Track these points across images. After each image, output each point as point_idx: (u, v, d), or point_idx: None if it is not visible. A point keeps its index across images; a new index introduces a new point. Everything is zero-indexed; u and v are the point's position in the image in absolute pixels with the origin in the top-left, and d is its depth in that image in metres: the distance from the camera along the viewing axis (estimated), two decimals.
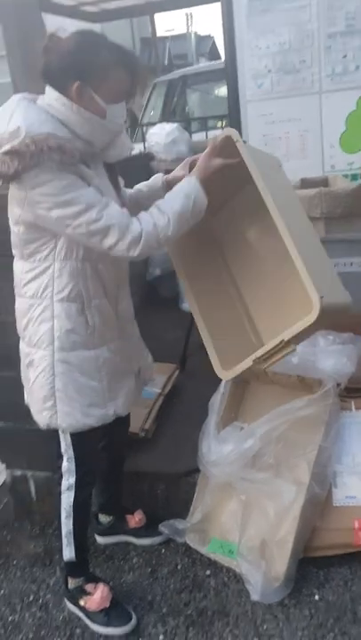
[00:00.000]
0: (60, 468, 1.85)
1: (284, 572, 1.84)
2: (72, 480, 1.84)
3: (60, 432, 1.80)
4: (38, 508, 2.48)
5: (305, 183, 2.63)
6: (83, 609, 1.90)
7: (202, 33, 23.80)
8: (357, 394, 2.14)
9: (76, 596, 1.93)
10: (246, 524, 1.94)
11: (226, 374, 1.75)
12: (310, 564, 1.94)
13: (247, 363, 1.67)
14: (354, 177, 2.73)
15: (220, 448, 1.97)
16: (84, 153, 1.58)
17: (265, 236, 1.87)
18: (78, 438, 1.80)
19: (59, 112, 1.53)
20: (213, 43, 26.07)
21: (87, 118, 1.54)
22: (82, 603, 1.90)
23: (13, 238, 1.67)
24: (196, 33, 22.55)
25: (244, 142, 1.71)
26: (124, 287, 1.84)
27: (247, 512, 1.95)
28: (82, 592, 1.91)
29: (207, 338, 1.81)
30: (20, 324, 1.77)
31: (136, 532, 2.21)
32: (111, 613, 1.86)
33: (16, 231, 1.64)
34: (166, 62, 16.63)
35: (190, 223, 1.67)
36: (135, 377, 1.92)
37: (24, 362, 1.81)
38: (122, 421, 1.94)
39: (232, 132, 1.70)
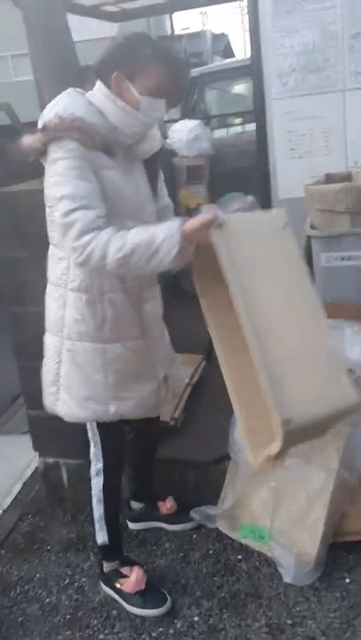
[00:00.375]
0: (88, 454, 1.92)
1: (315, 556, 1.90)
2: (100, 465, 1.91)
3: None
4: (70, 495, 2.55)
5: (330, 178, 2.68)
6: (119, 591, 1.97)
7: (216, 31, 23.90)
8: None
9: (111, 578, 2.00)
10: (277, 509, 2.00)
11: (257, 462, 1.57)
12: (340, 549, 1.99)
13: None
14: None
15: None
16: (112, 141, 1.63)
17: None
18: (103, 427, 1.87)
19: (98, 100, 1.64)
20: (228, 41, 26.10)
21: (120, 107, 1.62)
22: (118, 585, 1.97)
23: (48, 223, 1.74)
24: (210, 31, 22.63)
25: (221, 226, 1.54)
26: (152, 289, 1.84)
27: (278, 498, 2.01)
28: (117, 575, 1.98)
29: (240, 419, 1.63)
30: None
31: (167, 519, 2.28)
32: (147, 595, 1.93)
33: (46, 214, 1.71)
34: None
35: (149, 267, 1.57)
36: (159, 384, 1.90)
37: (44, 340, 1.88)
38: (151, 418, 1.98)
39: (210, 215, 1.55)
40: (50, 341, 1.83)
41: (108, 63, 1.63)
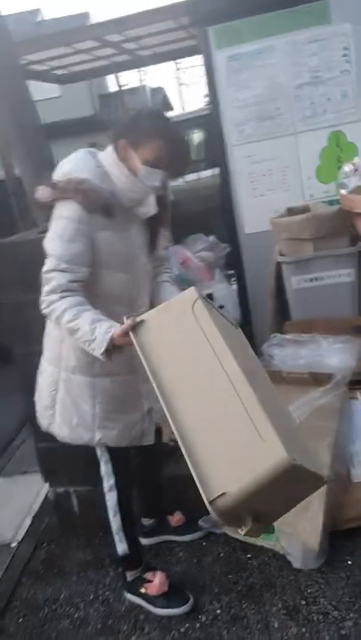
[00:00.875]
0: (99, 472, 2.10)
1: (318, 543, 2.11)
2: (112, 481, 2.09)
3: None
4: (82, 521, 2.70)
5: (291, 211, 3.01)
6: (144, 596, 2.13)
7: (153, 85, 24.91)
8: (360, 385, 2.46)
9: (136, 585, 2.16)
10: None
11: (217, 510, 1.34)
12: (340, 537, 2.20)
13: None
14: (331, 203, 3.11)
15: None
16: (113, 204, 1.85)
17: None
18: (109, 447, 2.06)
19: (107, 163, 1.87)
20: (164, 94, 27.15)
21: (124, 173, 1.84)
22: (142, 590, 2.13)
23: None
24: (148, 86, 23.58)
25: (140, 326, 1.66)
26: None
27: None
28: (141, 581, 2.14)
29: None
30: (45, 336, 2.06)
31: (177, 530, 2.45)
32: (170, 596, 2.09)
33: None
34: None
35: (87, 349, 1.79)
36: (143, 415, 2.06)
37: (40, 367, 2.09)
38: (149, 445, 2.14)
39: (126, 324, 1.66)
40: (49, 371, 2.04)
41: (118, 131, 1.85)
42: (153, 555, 2.42)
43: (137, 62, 7.08)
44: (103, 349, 1.73)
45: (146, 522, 2.49)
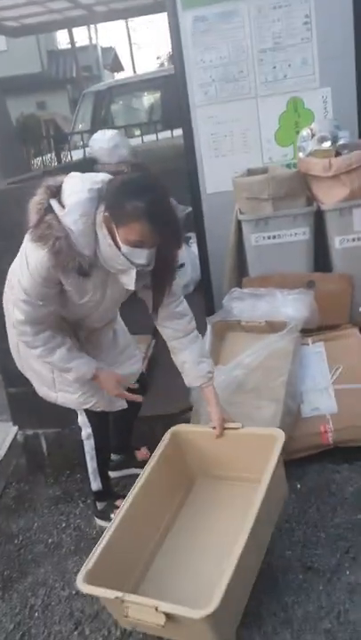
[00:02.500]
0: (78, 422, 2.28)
1: None
2: (89, 430, 2.27)
3: None
4: (50, 461, 2.87)
5: (251, 172, 3.18)
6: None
7: (104, 45, 24.34)
8: (312, 333, 2.69)
9: (107, 511, 2.35)
10: None
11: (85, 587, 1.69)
12: (291, 466, 2.41)
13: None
14: (288, 166, 3.29)
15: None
16: (91, 265, 1.80)
17: None
18: None
19: (98, 221, 1.76)
20: (115, 54, 26.58)
21: (107, 242, 1.75)
22: (112, 515, 2.31)
23: None
24: (99, 45, 22.99)
25: None
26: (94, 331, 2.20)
27: None
28: (112, 507, 2.33)
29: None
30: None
31: (143, 465, 2.63)
32: None
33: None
34: (74, 74, 16.96)
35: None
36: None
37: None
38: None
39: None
40: (11, 332, 2.16)
41: (104, 198, 1.73)
42: (122, 486, 2.60)
43: (91, 18, 6.98)
44: (84, 377, 2.05)
45: (115, 457, 2.66)
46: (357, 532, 2.08)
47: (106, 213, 1.73)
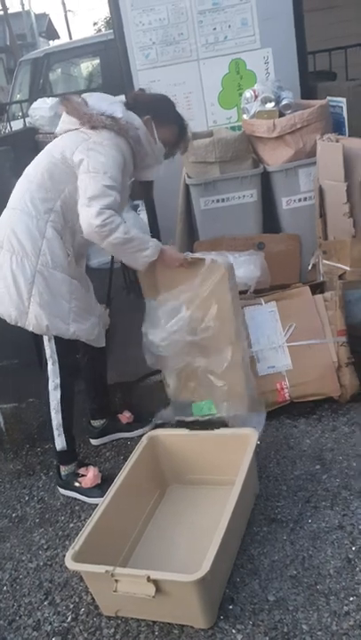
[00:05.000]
0: (46, 371, 2.25)
1: (247, 405, 2.35)
2: (57, 380, 2.25)
3: (46, 340, 2.21)
4: (8, 436, 2.83)
5: (195, 136, 3.14)
6: (78, 489, 2.32)
7: (37, 11, 23.50)
8: (264, 293, 2.73)
9: (70, 481, 2.34)
10: (209, 382, 2.39)
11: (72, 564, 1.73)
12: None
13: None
14: (233, 129, 3.29)
15: (162, 329, 2.35)
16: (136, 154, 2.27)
17: None
18: (61, 345, 2.22)
19: (138, 124, 2.22)
20: (50, 21, 25.73)
21: (148, 136, 2.25)
22: (77, 484, 2.32)
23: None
24: (32, 11, 22.18)
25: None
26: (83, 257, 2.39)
27: (204, 374, 2.40)
28: (75, 475, 2.33)
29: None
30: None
31: (128, 427, 2.64)
32: (103, 486, 2.28)
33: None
34: (8, 42, 16.35)
35: (132, 257, 2.20)
36: (98, 320, 2.38)
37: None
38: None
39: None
40: (25, 264, 2.12)
41: (144, 105, 2.28)
42: (111, 454, 2.59)
43: None
44: (155, 257, 2.20)
45: (97, 423, 2.65)
46: (316, 482, 2.15)
47: (148, 116, 2.24)
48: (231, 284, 2.30)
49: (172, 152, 2.42)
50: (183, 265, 2.30)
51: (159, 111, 2.30)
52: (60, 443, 2.30)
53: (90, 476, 2.30)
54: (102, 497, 2.24)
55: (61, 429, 2.28)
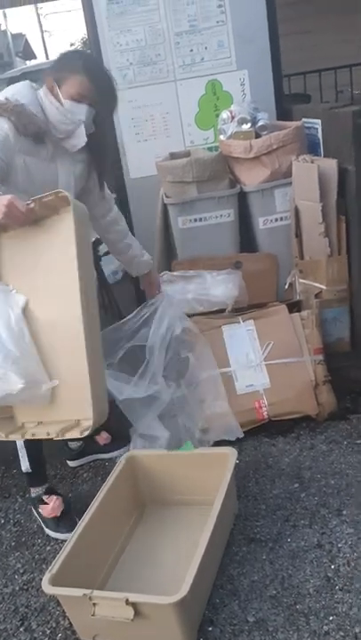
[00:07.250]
0: None
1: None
2: None
3: None
4: None
5: (173, 156, 3.19)
6: (40, 515, 2.29)
7: (14, 31, 23.59)
8: (242, 312, 2.74)
9: (36, 504, 2.30)
10: None
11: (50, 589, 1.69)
12: (228, 442, 2.48)
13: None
14: (210, 149, 3.32)
15: None
16: (45, 132, 2.02)
17: None
18: None
19: (41, 96, 2.05)
20: (26, 41, 25.82)
21: (54, 105, 2.02)
22: (40, 510, 2.28)
23: None
24: (9, 31, 22.26)
25: None
26: None
27: None
28: (40, 501, 2.28)
29: None
30: None
31: (105, 448, 2.62)
32: (60, 521, 2.23)
33: None
34: None
35: None
36: None
37: None
38: None
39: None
40: None
41: (48, 69, 2.08)
42: (90, 475, 2.56)
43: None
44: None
45: (74, 445, 2.62)
46: (295, 500, 2.15)
47: (49, 77, 2.02)
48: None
49: (102, 109, 2.07)
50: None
51: (61, 68, 2.03)
52: (24, 464, 2.27)
53: (50, 506, 2.24)
54: (56, 532, 2.22)
55: (24, 451, 2.25)
